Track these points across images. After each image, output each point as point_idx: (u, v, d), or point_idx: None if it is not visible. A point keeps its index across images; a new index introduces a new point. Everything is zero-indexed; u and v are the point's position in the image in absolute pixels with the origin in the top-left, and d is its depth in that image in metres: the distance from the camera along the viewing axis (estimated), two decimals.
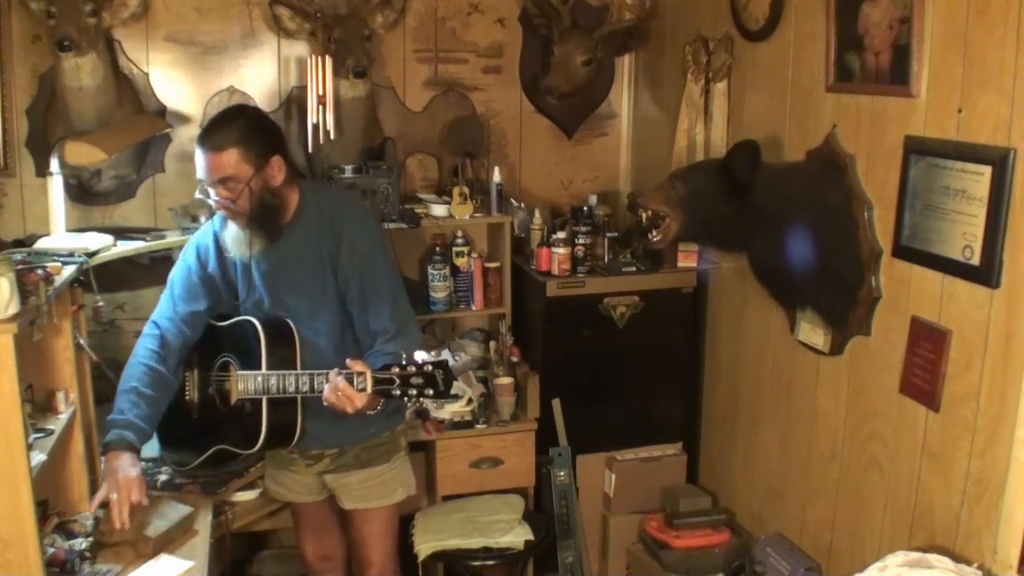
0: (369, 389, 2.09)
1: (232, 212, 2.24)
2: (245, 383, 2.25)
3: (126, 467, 2.15)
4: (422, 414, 3.18)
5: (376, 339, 2.29)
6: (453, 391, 3.15)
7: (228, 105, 3.06)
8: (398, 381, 2.09)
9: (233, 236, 2.29)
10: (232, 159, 2.17)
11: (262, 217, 2.25)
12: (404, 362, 2.09)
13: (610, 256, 3.33)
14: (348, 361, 2.12)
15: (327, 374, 2.15)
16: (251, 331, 2.28)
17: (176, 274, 2.42)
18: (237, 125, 2.20)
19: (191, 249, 2.43)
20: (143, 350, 2.32)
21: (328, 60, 3.03)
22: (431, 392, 2.09)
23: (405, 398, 2.10)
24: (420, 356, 2.09)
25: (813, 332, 2.58)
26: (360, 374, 2.09)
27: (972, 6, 1.96)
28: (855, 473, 2.45)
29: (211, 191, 2.23)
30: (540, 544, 3.08)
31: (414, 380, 2.08)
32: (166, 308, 2.38)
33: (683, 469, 3.34)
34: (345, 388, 2.10)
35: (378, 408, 2.18)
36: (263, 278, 2.35)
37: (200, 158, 2.19)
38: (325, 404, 2.15)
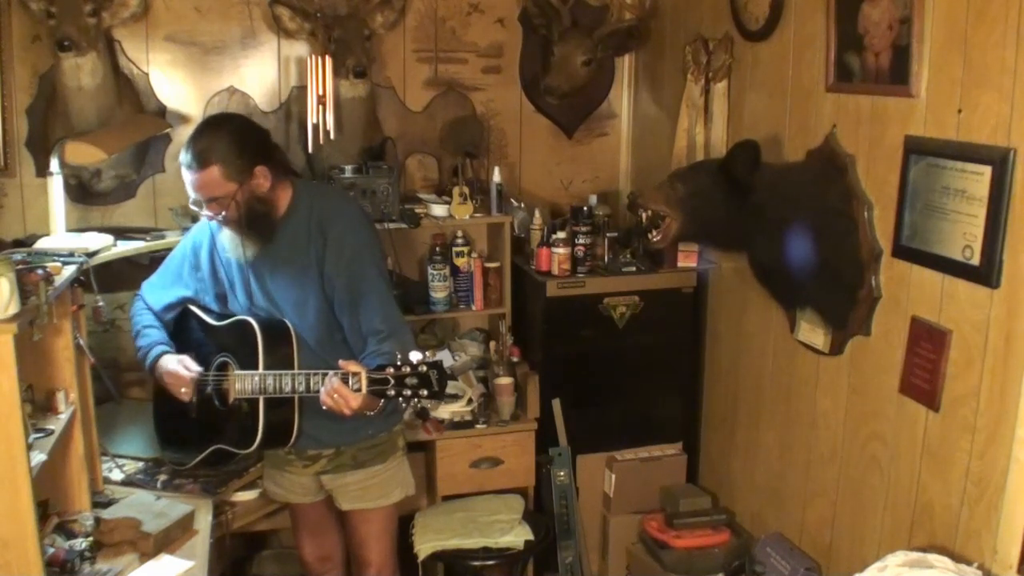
0: (364, 390, 2.09)
1: (222, 222, 2.29)
2: (242, 383, 2.25)
3: (173, 364, 2.37)
4: (422, 414, 3.17)
5: (368, 341, 2.29)
6: (453, 391, 3.19)
7: (215, 112, 3.07)
8: (393, 381, 2.08)
9: (229, 238, 2.33)
10: (214, 177, 2.18)
11: (252, 224, 2.27)
12: (399, 362, 2.09)
13: (610, 256, 3.33)
14: (341, 362, 2.12)
15: (323, 374, 2.15)
16: (249, 331, 2.28)
17: (170, 259, 2.51)
18: (218, 139, 2.20)
19: (188, 239, 2.50)
20: (142, 309, 2.50)
21: (328, 60, 3.03)
22: (426, 393, 2.09)
23: (400, 399, 2.10)
24: (415, 356, 2.09)
25: (813, 332, 2.58)
26: (355, 375, 2.09)
27: (972, 6, 1.96)
28: (855, 473, 2.45)
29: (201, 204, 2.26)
30: (540, 544, 3.08)
31: (409, 380, 2.08)
32: (153, 287, 2.52)
33: (683, 469, 3.34)
34: (340, 388, 2.10)
35: (377, 408, 2.18)
36: (254, 273, 2.36)
37: (184, 175, 2.23)
38: (324, 407, 2.15)
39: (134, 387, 2.95)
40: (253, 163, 2.22)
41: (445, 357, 3.35)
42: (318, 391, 2.16)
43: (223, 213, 2.24)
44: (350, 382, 2.10)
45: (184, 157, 2.21)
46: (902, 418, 2.25)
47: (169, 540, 2.21)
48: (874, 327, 2.35)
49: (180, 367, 2.36)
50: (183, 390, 2.36)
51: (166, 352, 2.41)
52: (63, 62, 2.76)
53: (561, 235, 3.23)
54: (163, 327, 2.48)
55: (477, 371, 3.38)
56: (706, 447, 3.34)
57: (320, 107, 3.05)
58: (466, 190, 3.24)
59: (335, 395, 2.11)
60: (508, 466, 3.22)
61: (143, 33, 3.11)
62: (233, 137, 2.22)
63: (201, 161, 2.18)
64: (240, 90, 3.25)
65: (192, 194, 2.24)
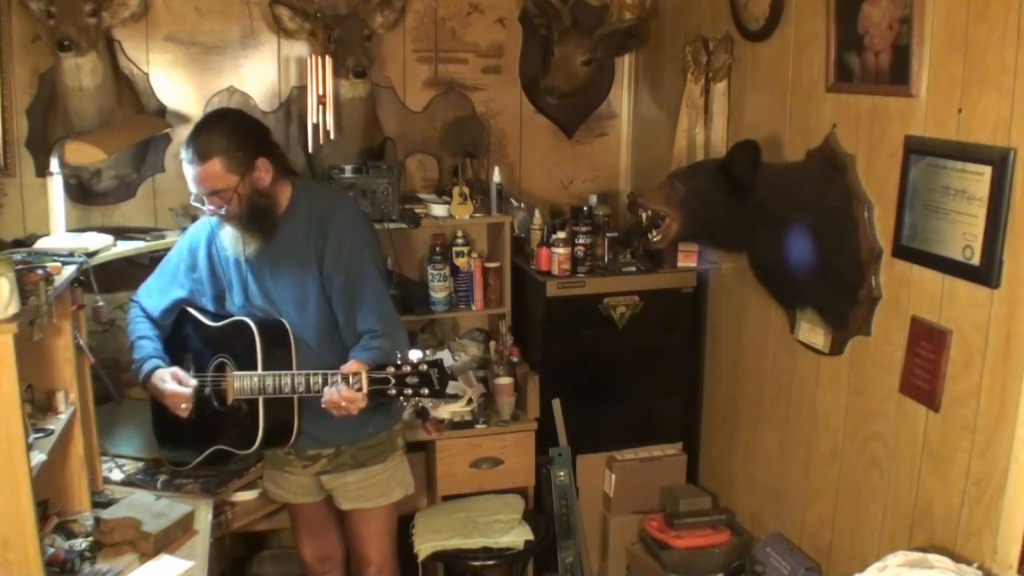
0: (365, 389, 2.09)
1: (224, 217, 2.28)
2: (241, 383, 2.25)
3: (169, 383, 2.34)
4: (422, 414, 3.18)
5: (361, 339, 2.29)
6: (453, 391, 3.18)
7: (214, 108, 3.07)
8: (393, 381, 2.09)
9: (229, 236, 2.33)
10: (216, 169, 2.18)
11: (254, 219, 2.27)
12: (399, 361, 2.09)
13: (610, 256, 3.33)
14: (342, 368, 2.13)
15: (323, 374, 2.16)
16: (247, 332, 2.28)
17: (165, 261, 2.50)
18: (219, 132, 2.20)
19: (184, 240, 2.50)
20: (138, 316, 2.47)
21: (328, 60, 3.03)
22: (427, 392, 2.10)
23: (401, 397, 2.10)
24: (415, 355, 2.09)
25: (813, 332, 2.58)
26: (355, 375, 2.09)
27: (972, 6, 1.96)
28: (855, 473, 2.45)
29: (203, 199, 2.25)
30: (540, 544, 3.08)
31: (410, 380, 2.08)
32: (150, 291, 2.50)
33: (683, 469, 3.34)
34: (348, 393, 2.11)
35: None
36: (253, 273, 2.36)
37: (186, 170, 2.22)
38: (332, 412, 2.16)
39: (134, 387, 2.93)
40: (254, 155, 2.23)
41: (445, 357, 3.35)
42: (318, 391, 2.17)
43: (225, 207, 2.23)
44: (351, 382, 2.10)
45: (185, 152, 2.20)
46: (902, 418, 2.25)
47: (169, 540, 2.21)
48: (874, 327, 2.35)
49: (175, 385, 2.33)
50: (183, 406, 2.34)
51: (159, 366, 2.38)
52: (63, 62, 2.76)
53: (561, 235, 3.23)
54: (158, 335, 2.46)
55: (477, 371, 3.38)
56: (706, 447, 3.33)
57: (320, 107, 3.05)
58: (466, 190, 3.24)
59: (342, 402, 2.12)
60: (508, 466, 3.22)
61: (143, 33, 3.11)
62: (234, 130, 2.23)
63: (202, 155, 2.17)
64: (240, 90, 3.25)
65: (194, 189, 2.23)
